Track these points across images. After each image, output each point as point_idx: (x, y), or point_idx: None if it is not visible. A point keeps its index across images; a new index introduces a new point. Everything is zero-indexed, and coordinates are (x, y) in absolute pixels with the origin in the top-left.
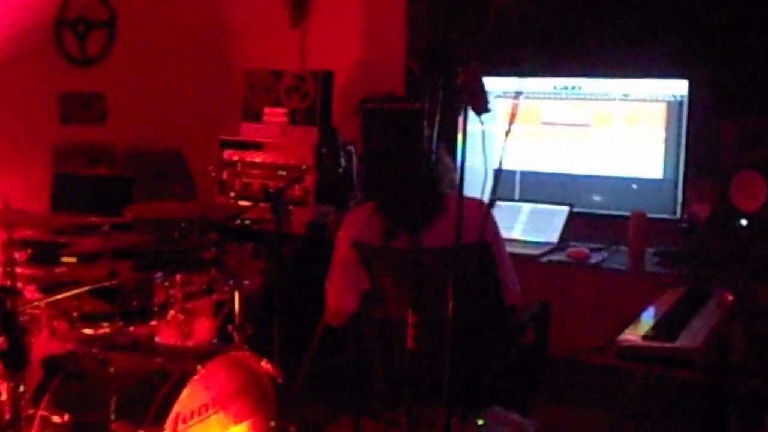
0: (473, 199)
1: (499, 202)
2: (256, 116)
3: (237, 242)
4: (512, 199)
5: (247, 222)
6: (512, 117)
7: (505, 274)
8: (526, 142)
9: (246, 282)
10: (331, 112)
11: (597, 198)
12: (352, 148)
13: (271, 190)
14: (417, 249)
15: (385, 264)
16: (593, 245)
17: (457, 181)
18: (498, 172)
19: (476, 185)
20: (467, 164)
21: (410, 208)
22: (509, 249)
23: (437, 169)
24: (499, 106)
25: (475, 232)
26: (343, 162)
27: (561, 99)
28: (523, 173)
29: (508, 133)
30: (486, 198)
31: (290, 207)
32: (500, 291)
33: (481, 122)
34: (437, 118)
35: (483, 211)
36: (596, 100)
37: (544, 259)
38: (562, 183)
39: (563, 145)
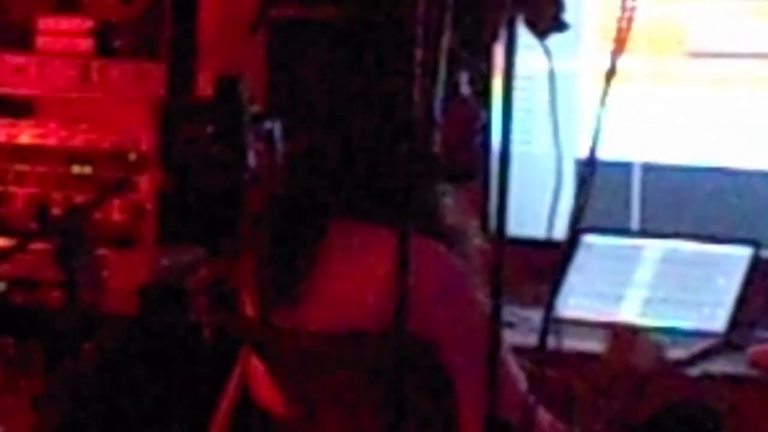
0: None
1: (589, 238)
2: (19, 39)
3: None
4: (623, 231)
5: None
6: (619, 41)
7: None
8: (653, 100)
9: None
10: (194, 29)
11: None
12: (273, 126)
13: (55, 214)
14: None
15: (265, 358)
16: None
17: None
18: (589, 168)
19: (537, 195)
20: (518, 149)
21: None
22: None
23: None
24: (587, 17)
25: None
26: (251, 157)
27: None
28: (648, 170)
29: (610, 77)
30: (562, 227)
31: (100, 250)
32: None
33: (548, 53)
34: (444, 46)
35: (434, 266)
36: None
37: (696, 369)
38: (736, 195)
39: (738, 107)
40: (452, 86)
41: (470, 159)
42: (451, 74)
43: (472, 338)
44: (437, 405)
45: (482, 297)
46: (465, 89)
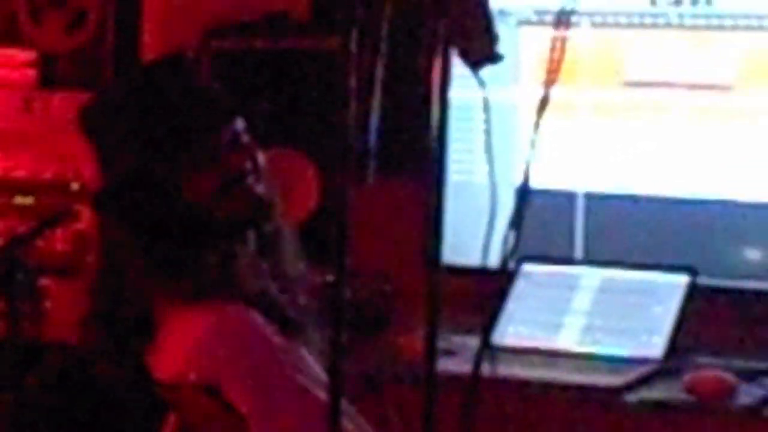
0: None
1: (529, 267)
2: None
3: None
4: (562, 260)
5: None
6: (551, 72)
7: None
8: (591, 130)
9: None
10: (136, 59)
11: (753, 255)
12: None
13: None
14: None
15: None
16: (745, 363)
17: None
18: (523, 195)
19: (473, 226)
20: (454, 178)
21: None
22: (544, 372)
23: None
24: (524, 45)
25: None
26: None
27: (666, 28)
28: (590, 199)
29: (543, 106)
30: (495, 257)
31: (43, 280)
32: None
33: (481, 83)
34: (378, 73)
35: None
36: (749, 30)
37: (632, 397)
38: (675, 221)
39: (675, 136)
40: (231, 135)
41: (233, 209)
42: (229, 122)
43: (253, 377)
44: None
45: (272, 341)
46: (245, 138)
